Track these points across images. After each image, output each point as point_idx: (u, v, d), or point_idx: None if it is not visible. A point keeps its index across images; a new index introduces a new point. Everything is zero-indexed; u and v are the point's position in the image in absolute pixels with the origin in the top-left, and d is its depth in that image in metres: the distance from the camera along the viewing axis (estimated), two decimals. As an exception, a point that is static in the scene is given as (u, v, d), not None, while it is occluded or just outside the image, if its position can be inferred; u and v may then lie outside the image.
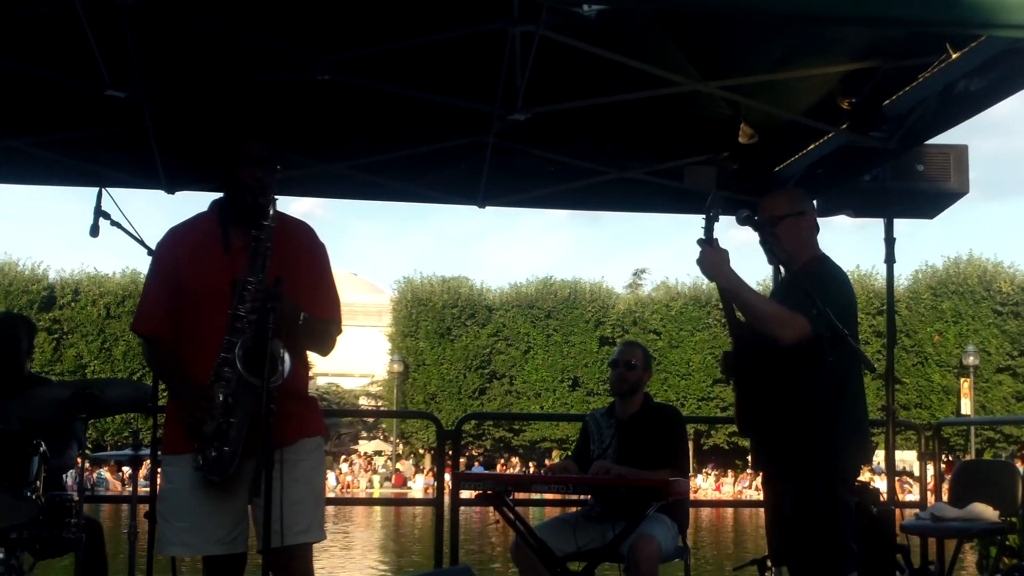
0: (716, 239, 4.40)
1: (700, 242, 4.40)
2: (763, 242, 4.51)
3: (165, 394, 4.28)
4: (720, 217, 4.48)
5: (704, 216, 4.38)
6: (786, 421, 4.36)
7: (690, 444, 6.19)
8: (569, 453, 6.28)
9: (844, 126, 5.66)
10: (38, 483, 4.79)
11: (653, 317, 46.54)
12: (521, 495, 6.69)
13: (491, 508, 5.53)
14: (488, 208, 7.37)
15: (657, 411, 6.04)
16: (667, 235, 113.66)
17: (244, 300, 3.74)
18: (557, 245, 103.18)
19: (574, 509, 6.22)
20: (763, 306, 4.33)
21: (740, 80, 5.67)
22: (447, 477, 7.17)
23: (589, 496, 5.94)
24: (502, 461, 47.60)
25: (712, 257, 4.37)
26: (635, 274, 60.72)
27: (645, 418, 5.90)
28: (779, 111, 5.97)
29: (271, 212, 3.81)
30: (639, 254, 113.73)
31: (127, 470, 38.51)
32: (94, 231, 4.93)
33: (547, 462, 44.31)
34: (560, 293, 47.22)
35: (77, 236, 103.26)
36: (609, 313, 46.90)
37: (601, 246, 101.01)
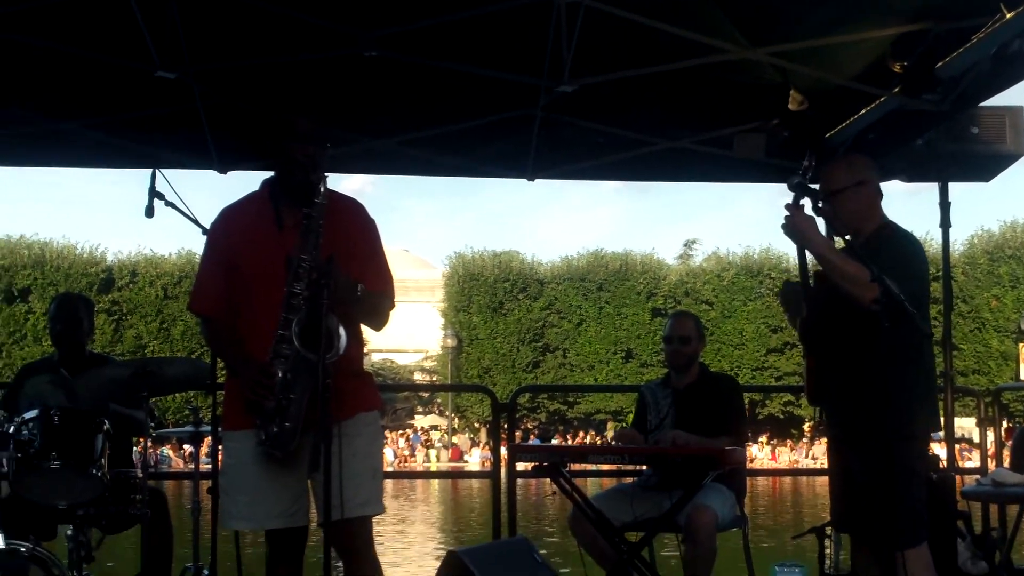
0: (802, 204, 4.37)
1: (788, 207, 4.37)
2: (819, 210, 4.47)
3: (223, 371, 4.33)
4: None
5: (795, 182, 4.34)
6: (860, 387, 4.34)
7: (746, 412, 6.17)
8: (624, 424, 6.30)
9: (896, 90, 5.59)
10: (103, 461, 4.87)
11: (705, 288, 46.33)
12: (577, 466, 6.71)
13: (547, 479, 5.56)
14: (537, 181, 7.39)
15: (714, 380, 6.04)
16: (717, 204, 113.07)
17: (299, 278, 3.77)
18: (607, 217, 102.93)
19: (630, 480, 6.24)
20: (851, 269, 4.29)
21: (789, 46, 5.61)
22: (503, 450, 7.21)
23: (645, 466, 5.96)
24: (559, 433, 47.71)
25: (799, 221, 4.34)
26: (686, 245, 60.56)
27: (701, 388, 5.90)
28: (829, 76, 5.91)
29: (322, 189, 3.84)
30: (689, 224, 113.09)
31: (188, 447, 39.04)
32: (149, 212, 4.99)
33: (600, 437, 44.37)
34: (611, 265, 47.11)
35: (133, 218, 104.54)
36: (660, 284, 46.75)
37: (651, 217, 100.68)
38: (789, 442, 46.50)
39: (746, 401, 6.07)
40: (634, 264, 47.27)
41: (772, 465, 43.81)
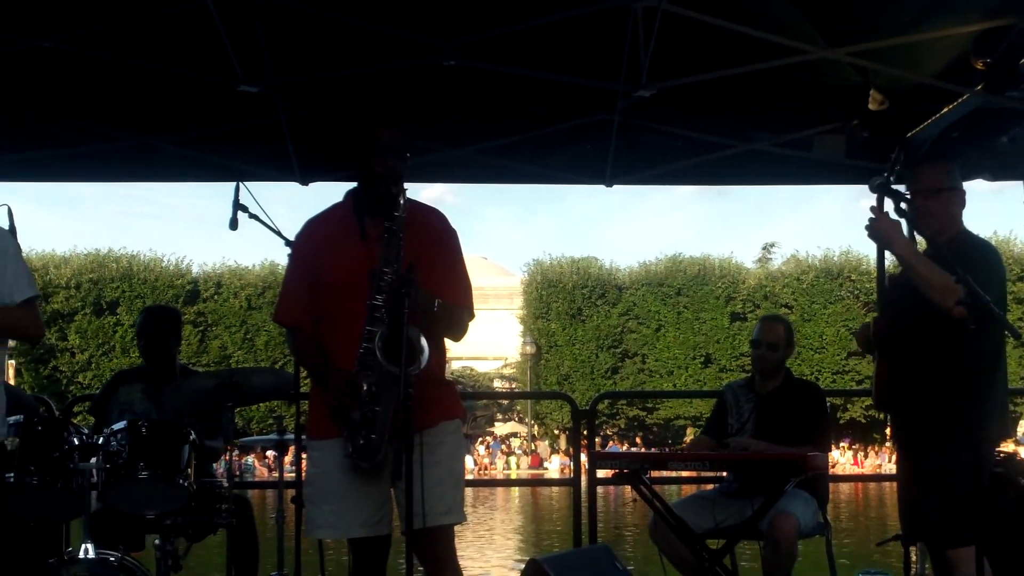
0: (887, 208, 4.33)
1: (873, 209, 4.33)
2: (901, 211, 4.41)
3: (307, 381, 4.38)
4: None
5: (876, 183, 4.29)
6: (941, 390, 4.29)
7: (830, 421, 6.08)
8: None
9: (979, 87, 5.50)
10: (189, 470, 4.93)
11: (784, 291, 45.87)
12: (658, 473, 6.68)
13: (628, 487, 5.54)
14: (615, 187, 7.37)
15: (798, 388, 5.97)
16: (796, 207, 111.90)
17: (381, 290, 3.80)
18: (685, 221, 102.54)
19: (711, 486, 6.20)
20: (938, 278, 4.24)
21: (869, 45, 5.54)
22: (583, 457, 7.19)
23: (725, 473, 5.91)
24: (639, 439, 47.53)
25: (884, 225, 4.30)
26: (764, 248, 59.85)
27: (785, 394, 5.84)
28: (910, 75, 5.82)
29: (402, 202, 3.87)
30: (768, 228, 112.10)
31: (272, 456, 39.54)
32: (233, 224, 5.07)
33: (683, 443, 44.11)
34: (689, 270, 46.82)
35: (217, 230, 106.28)
36: (739, 288, 46.36)
37: (729, 221, 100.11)
38: (872, 448, 45.82)
39: (827, 405, 5.98)
40: (712, 268, 46.93)
41: (855, 471, 43.19)
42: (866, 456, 46.05)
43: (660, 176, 7.37)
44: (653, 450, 9.57)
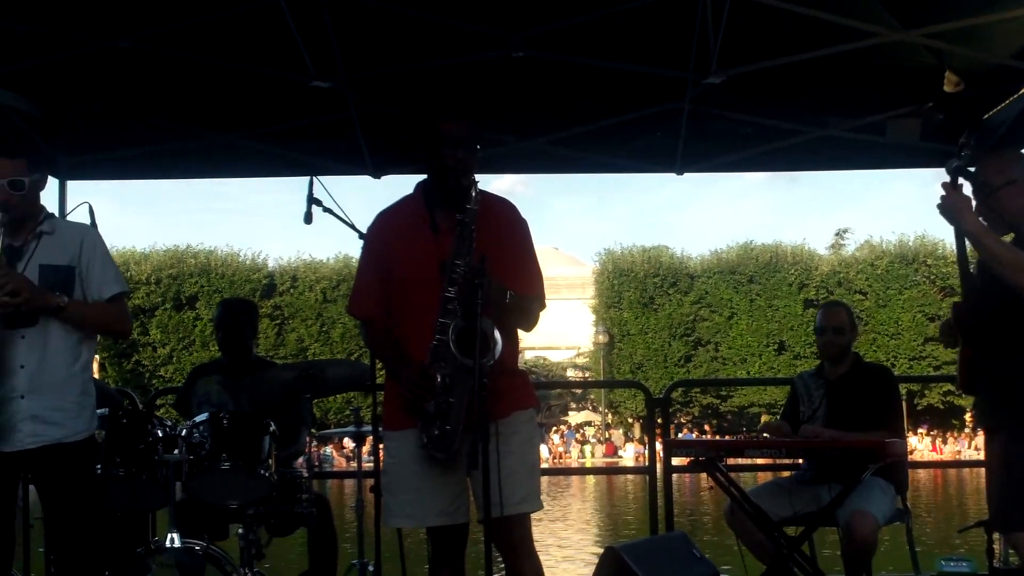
0: (961, 184, 4.26)
1: (944, 186, 4.27)
2: (978, 194, 4.34)
3: (383, 372, 4.42)
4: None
5: (953, 166, 4.24)
6: (1005, 375, 4.23)
7: (903, 404, 6.03)
8: (778, 417, 6.21)
9: (1058, 67, 5.42)
10: (270, 461, 5.00)
11: (858, 277, 45.37)
12: (733, 460, 6.66)
13: (703, 474, 5.53)
14: (686, 174, 7.35)
15: (868, 371, 5.90)
16: (869, 192, 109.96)
17: (453, 283, 3.82)
18: (756, 208, 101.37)
19: (787, 474, 6.16)
20: (1007, 253, 4.17)
21: (943, 27, 5.48)
22: (658, 445, 7.19)
23: (802, 460, 5.87)
24: (709, 427, 47.30)
25: (954, 202, 4.24)
26: (837, 234, 59.13)
27: (855, 379, 5.78)
28: (986, 55, 5.75)
29: (474, 194, 3.88)
30: (841, 213, 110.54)
31: (351, 446, 39.89)
32: (307, 218, 5.12)
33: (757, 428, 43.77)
34: (761, 257, 46.49)
35: (292, 224, 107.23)
36: (812, 275, 45.94)
37: (801, 207, 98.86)
38: (950, 433, 45.16)
39: (904, 392, 5.93)
40: (785, 255, 46.54)
41: (933, 457, 42.60)
42: (944, 442, 45.38)
43: (731, 163, 7.35)
44: (727, 437, 9.52)
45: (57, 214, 5.07)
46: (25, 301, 4.03)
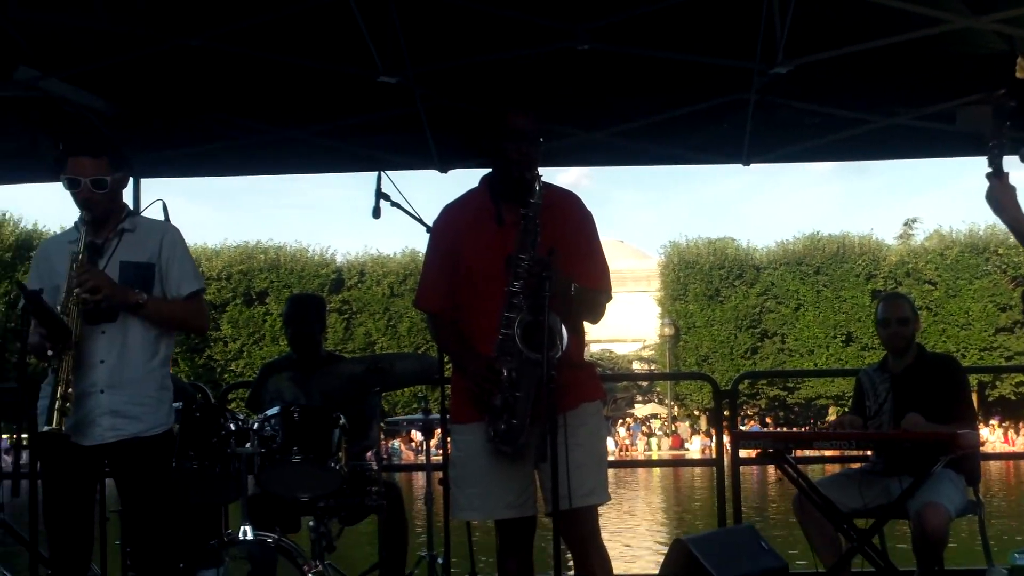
0: (1007, 173, 4.20)
1: (988, 176, 4.21)
2: None
3: (450, 365, 4.44)
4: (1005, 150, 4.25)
5: (988, 149, 4.18)
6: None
7: (973, 395, 5.94)
8: (846, 409, 6.17)
9: None
10: (340, 454, 5.04)
11: (927, 267, 44.80)
12: (801, 452, 6.61)
13: (771, 466, 5.50)
14: (752, 165, 7.31)
15: (933, 362, 5.81)
16: (939, 181, 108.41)
17: (518, 277, 3.83)
18: (823, 199, 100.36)
19: (856, 465, 6.11)
20: None
21: (1015, 11, 5.38)
22: (725, 437, 7.16)
23: (870, 452, 5.82)
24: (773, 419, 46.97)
25: (998, 192, 4.18)
26: (906, 224, 58.29)
27: (920, 370, 5.69)
28: (1060, 41, 5.65)
29: (537, 188, 3.88)
30: (909, 203, 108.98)
31: (419, 439, 40.09)
32: (376, 213, 5.16)
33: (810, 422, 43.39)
34: (828, 248, 46.08)
35: (360, 220, 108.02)
36: (880, 265, 45.45)
37: (869, 197, 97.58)
38: (1023, 424, 44.45)
39: (975, 383, 5.84)
40: (852, 246, 46.09)
41: (1005, 448, 41.93)
42: (1017, 433, 44.66)
43: (798, 153, 7.29)
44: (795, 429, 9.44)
45: (131, 211, 5.15)
46: (105, 298, 4.12)
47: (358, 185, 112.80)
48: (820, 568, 5.52)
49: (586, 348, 4.45)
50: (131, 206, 4.54)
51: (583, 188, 79.47)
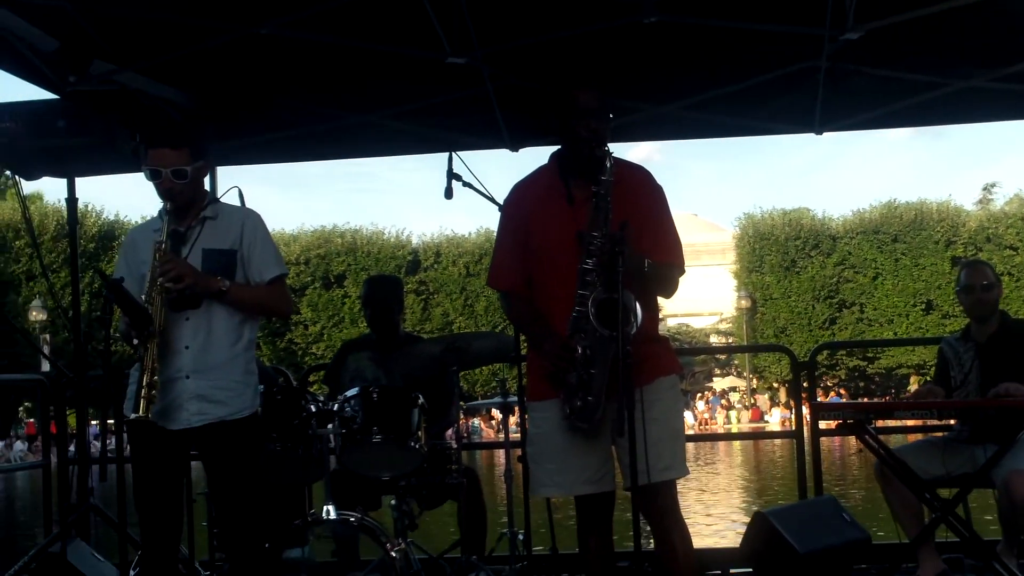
0: None
1: None
2: None
3: (526, 343, 4.46)
4: None
5: None
6: None
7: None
8: (927, 378, 6.07)
9: None
10: (420, 434, 5.10)
11: (1008, 232, 43.97)
12: (883, 423, 6.54)
13: (852, 437, 5.45)
14: (825, 134, 7.22)
15: (1017, 328, 5.71)
16: (1018, 144, 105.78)
17: (591, 254, 3.84)
18: (899, 166, 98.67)
19: (939, 434, 6.04)
20: None
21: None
22: (804, 408, 7.11)
23: (953, 421, 5.74)
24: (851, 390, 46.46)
25: None
26: (985, 189, 57.33)
27: (1006, 337, 5.59)
28: None
29: (608, 165, 3.88)
30: (989, 167, 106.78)
31: (499, 416, 40.11)
32: (448, 193, 5.20)
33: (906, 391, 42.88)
34: (906, 215, 45.40)
35: (434, 201, 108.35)
36: (960, 232, 44.70)
37: (946, 162, 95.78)
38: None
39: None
40: (930, 212, 45.37)
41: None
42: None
43: (872, 120, 7.17)
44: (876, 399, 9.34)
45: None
46: (188, 286, 4.20)
47: (431, 167, 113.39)
48: (903, 539, 5.48)
49: (663, 322, 4.45)
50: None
51: (655, 163, 79.11)
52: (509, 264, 4.20)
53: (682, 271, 4.15)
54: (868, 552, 5.83)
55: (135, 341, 4.16)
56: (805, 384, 7.28)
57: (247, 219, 4.50)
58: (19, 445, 40.05)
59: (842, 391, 45.06)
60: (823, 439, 6.90)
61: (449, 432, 6.01)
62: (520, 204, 4.21)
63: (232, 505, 4.39)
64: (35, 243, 36.19)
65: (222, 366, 4.34)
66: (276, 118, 6.93)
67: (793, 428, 7.26)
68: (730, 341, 50.48)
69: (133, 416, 4.08)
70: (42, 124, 5.76)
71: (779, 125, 7.24)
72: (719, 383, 54.42)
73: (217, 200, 4.56)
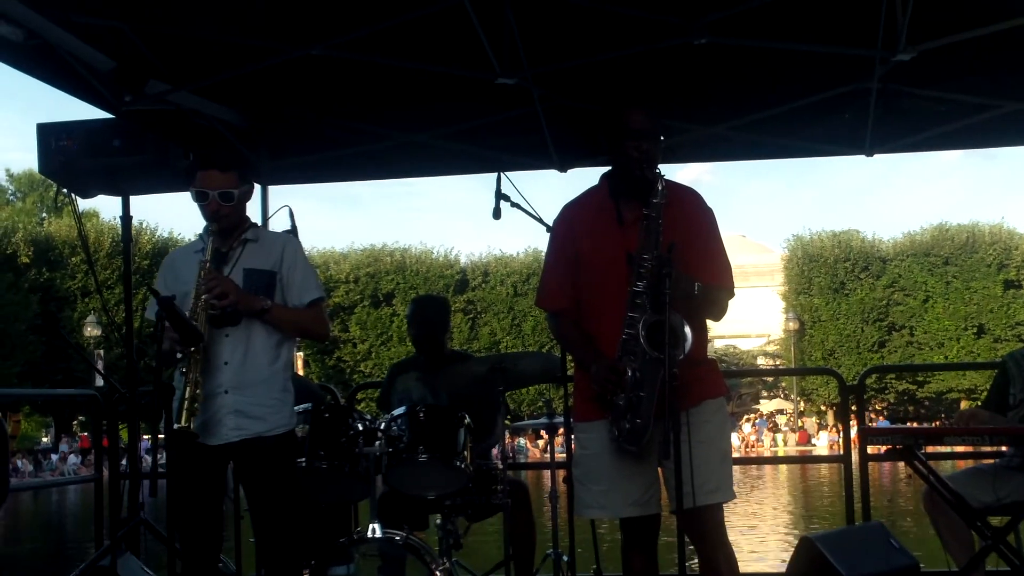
0: None
1: None
2: None
3: (572, 363, 4.46)
4: None
5: None
6: None
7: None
8: (978, 403, 5.97)
9: None
10: (466, 453, 5.10)
11: (1063, 255, 43.49)
12: (933, 448, 6.46)
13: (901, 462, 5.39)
14: (876, 156, 7.18)
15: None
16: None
17: (641, 276, 3.83)
18: (950, 188, 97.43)
19: (990, 461, 5.95)
20: None
21: None
22: (853, 432, 7.05)
23: (1006, 448, 5.66)
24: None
25: None
26: (1039, 211, 56.52)
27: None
28: None
29: (660, 187, 3.87)
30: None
31: (545, 437, 40.01)
32: (496, 214, 5.22)
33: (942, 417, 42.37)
34: (957, 238, 45.00)
35: (482, 221, 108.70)
36: (1012, 255, 44.22)
37: (998, 185, 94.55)
38: None
39: None
40: (982, 235, 44.93)
41: None
42: None
43: (923, 142, 7.14)
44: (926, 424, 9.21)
45: (260, 218, 5.30)
46: (231, 303, 4.26)
47: (480, 187, 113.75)
48: (952, 567, 5.41)
49: (710, 344, 4.42)
50: (260, 212, 4.69)
51: (704, 184, 78.46)
52: (558, 285, 4.19)
53: (731, 294, 4.13)
54: (916, 580, 5.75)
55: (179, 356, 4.21)
56: (854, 407, 7.22)
57: (287, 244, 4.58)
58: (73, 459, 40.56)
59: (880, 417, 44.61)
60: (871, 464, 6.82)
61: (495, 451, 6.01)
62: (570, 224, 4.20)
63: (268, 521, 4.42)
64: (90, 260, 36.66)
65: (260, 383, 4.38)
66: (327, 138, 7.00)
67: (841, 452, 7.18)
68: (777, 363, 50.18)
69: (176, 427, 4.12)
70: (98, 143, 5.84)
71: (830, 147, 7.22)
72: (766, 405, 54.06)
73: (257, 224, 4.65)
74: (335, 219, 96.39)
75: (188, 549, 4.37)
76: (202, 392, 4.20)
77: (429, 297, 7.18)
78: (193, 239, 4.68)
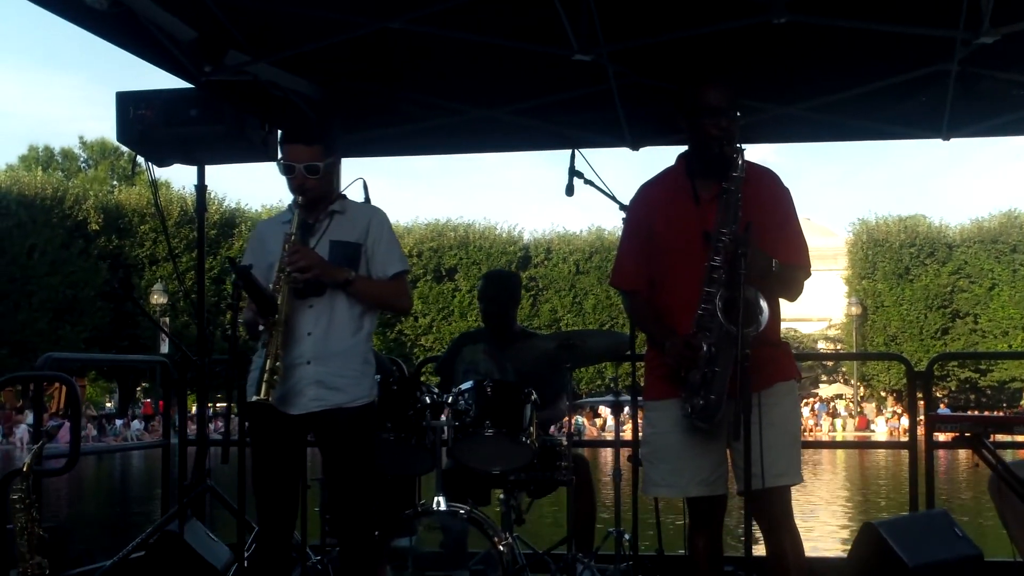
0: None
1: None
2: None
3: (642, 342, 4.45)
4: None
5: None
6: None
7: None
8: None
9: None
10: (531, 429, 5.12)
11: None
12: (1002, 437, 6.39)
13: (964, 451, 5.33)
14: (952, 140, 7.08)
15: None
16: None
17: (718, 252, 3.81)
18: (1020, 174, 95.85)
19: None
20: None
21: None
22: (920, 419, 6.98)
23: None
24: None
25: None
26: (1110, 199, 55.47)
27: None
28: None
29: (740, 162, 3.85)
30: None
31: (604, 415, 40.22)
32: (569, 191, 5.22)
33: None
34: (1026, 226, 44.35)
35: (547, 198, 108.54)
36: (1083, 243, 43.52)
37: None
38: None
39: None
40: (1052, 223, 44.23)
41: None
42: None
43: (1002, 126, 7.00)
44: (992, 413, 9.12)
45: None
46: (314, 276, 4.30)
47: (544, 164, 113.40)
48: (1018, 557, 5.36)
49: (778, 327, 4.38)
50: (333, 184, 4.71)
51: (771, 164, 77.28)
52: (633, 264, 4.19)
53: (808, 273, 4.13)
54: (980, 569, 5.70)
55: (260, 328, 4.27)
56: (920, 394, 7.14)
57: (374, 216, 4.59)
58: (136, 424, 41.21)
59: (942, 404, 44.10)
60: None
61: (552, 428, 6.02)
62: (646, 204, 4.21)
63: (345, 491, 4.46)
64: (165, 228, 37.08)
65: (342, 354, 4.41)
66: (401, 112, 7.02)
67: (904, 438, 7.11)
68: (838, 348, 49.76)
69: (255, 399, 4.17)
70: (175, 112, 5.90)
71: (906, 129, 7.12)
72: (826, 390, 53.63)
73: (346, 197, 4.66)
74: (399, 192, 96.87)
75: (264, 518, 4.42)
76: (282, 364, 4.24)
77: (501, 272, 7.20)
78: (266, 207, 4.72)
